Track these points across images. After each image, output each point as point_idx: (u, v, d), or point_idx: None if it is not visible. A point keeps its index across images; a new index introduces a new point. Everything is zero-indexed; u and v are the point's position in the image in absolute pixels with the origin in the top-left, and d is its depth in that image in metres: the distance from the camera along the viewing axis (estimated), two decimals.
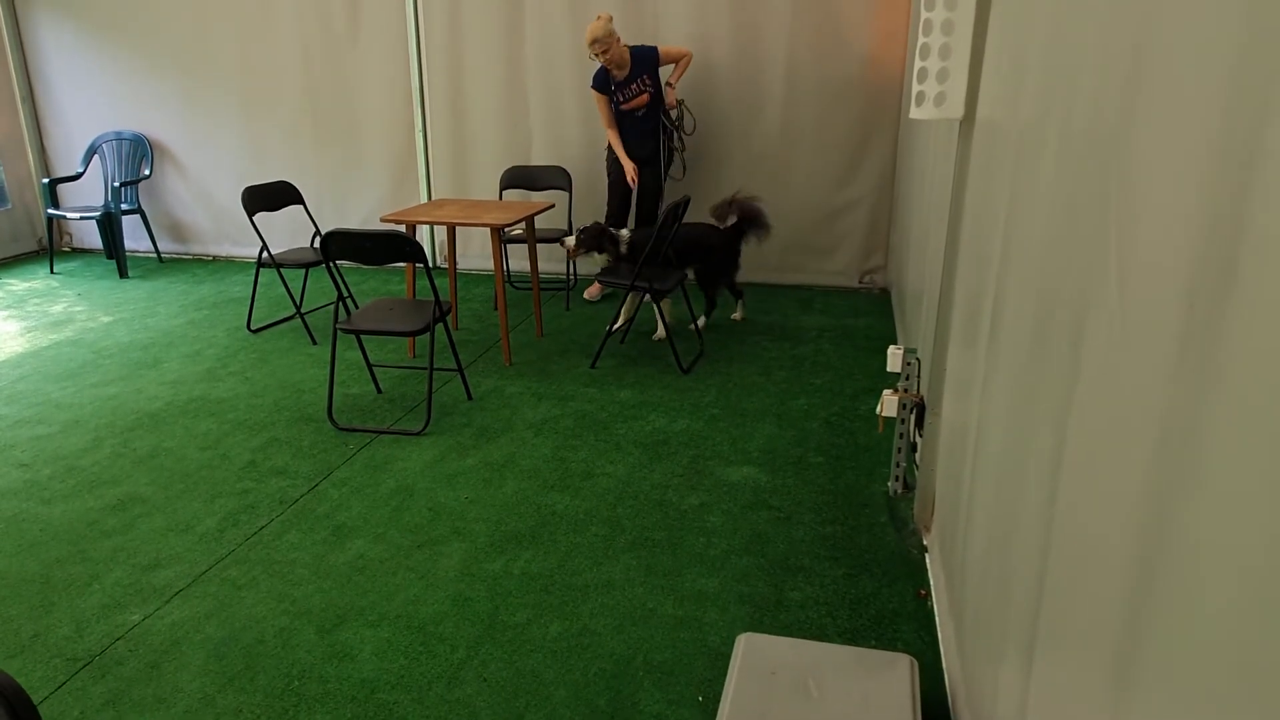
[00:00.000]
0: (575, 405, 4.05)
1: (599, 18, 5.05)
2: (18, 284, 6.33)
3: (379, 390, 4.26)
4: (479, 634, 2.47)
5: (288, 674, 2.33)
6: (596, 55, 5.09)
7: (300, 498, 3.25)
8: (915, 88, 2.39)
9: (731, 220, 4.94)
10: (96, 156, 6.89)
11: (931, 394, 2.79)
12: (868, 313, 5.47)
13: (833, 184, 5.78)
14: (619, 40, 5.12)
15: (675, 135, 5.52)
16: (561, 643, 2.43)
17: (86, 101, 6.91)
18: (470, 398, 4.14)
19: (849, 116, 5.63)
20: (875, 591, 2.64)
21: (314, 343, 4.97)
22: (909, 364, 3.01)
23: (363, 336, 4.20)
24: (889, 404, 3.03)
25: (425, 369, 4.26)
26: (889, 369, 3.08)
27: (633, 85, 5.29)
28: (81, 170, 6.87)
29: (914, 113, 2.41)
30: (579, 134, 6.01)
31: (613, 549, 2.89)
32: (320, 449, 3.64)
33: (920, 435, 2.95)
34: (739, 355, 4.71)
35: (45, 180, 6.80)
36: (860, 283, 5.96)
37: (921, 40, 2.33)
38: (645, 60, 5.27)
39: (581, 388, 4.26)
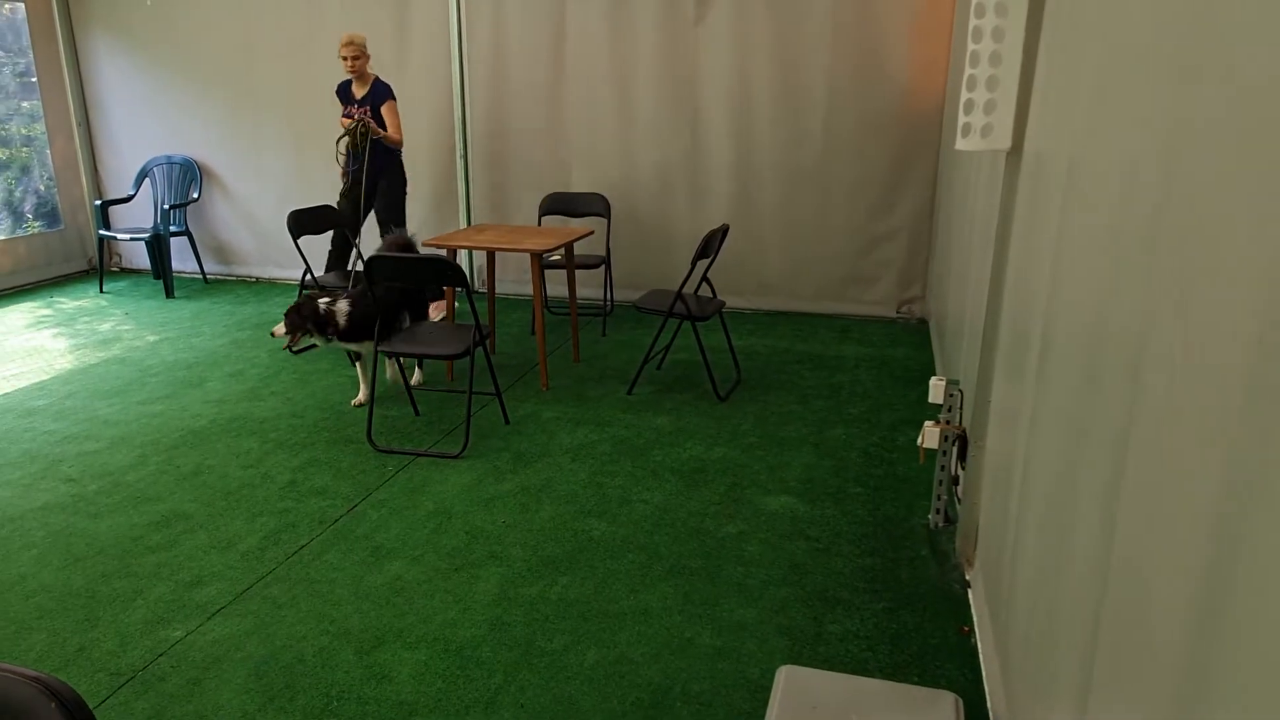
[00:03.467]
0: (612, 431, 4.06)
1: (359, 33, 5.45)
2: (68, 302, 6.49)
3: (417, 413, 4.29)
4: (516, 659, 2.47)
5: (327, 694, 2.34)
6: (344, 58, 5.39)
7: (340, 518, 3.28)
8: (961, 119, 2.39)
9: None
10: (147, 180, 7.07)
11: (975, 426, 2.76)
12: (905, 343, 5.44)
13: (871, 214, 5.77)
14: (369, 60, 5.51)
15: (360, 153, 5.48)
16: (598, 670, 2.42)
17: (139, 126, 7.11)
18: (508, 422, 4.16)
19: (888, 146, 5.63)
20: (917, 626, 2.60)
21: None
22: (951, 395, 2.98)
23: (402, 359, 4.25)
24: (930, 435, 3.00)
25: (464, 392, 4.29)
26: (930, 400, 3.05)
27: (359, 109, 5.51)
28: (133, 193, 7.06)
29: (960, 144, 2.41)
30: (618, 161, 6.07)
31: (650, 576, 2.88)
32: (359, 470, 3.68)
33: (962, 468, 2.92)
34: (776, 384, 4.69)
35: (98, 202, 6.99)
36: (898, 313, 5.93)
37: (968, 72, 2.33)
38: (376, 94, 5.52)
39: (618, 414, 4.27)
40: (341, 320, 4.11)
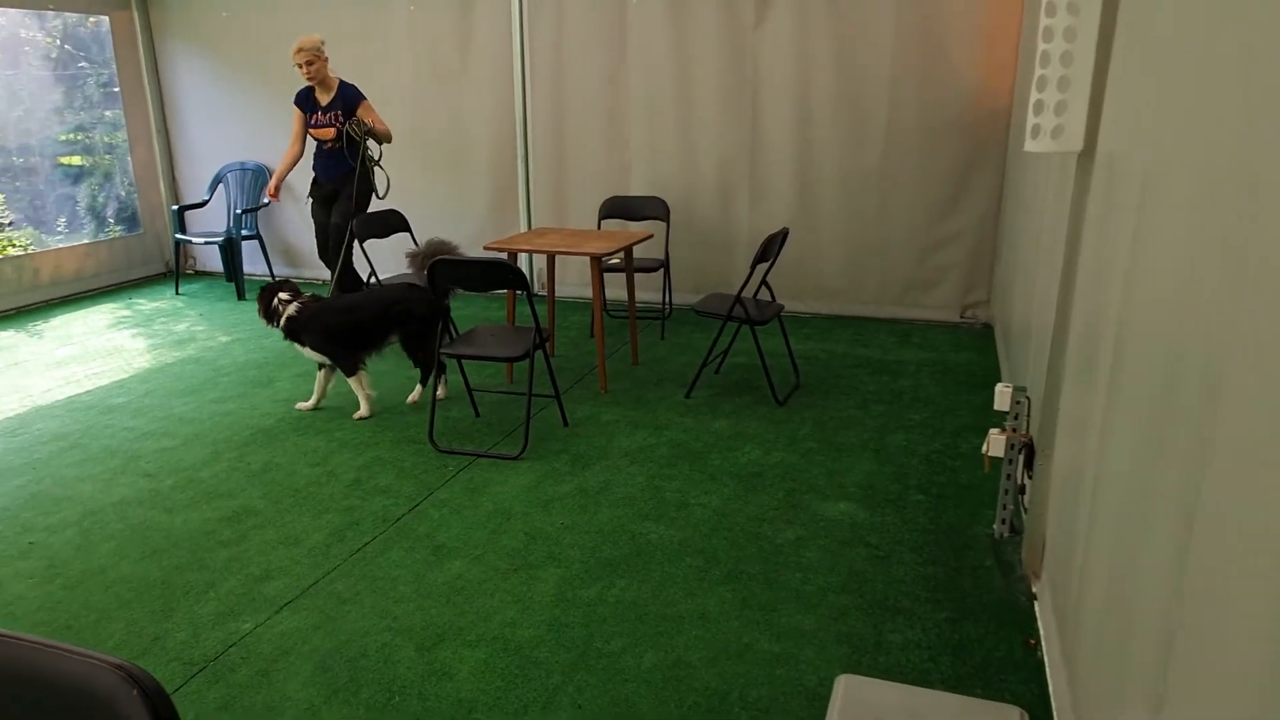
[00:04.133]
0: (670, 434, 4.06)
1: (314, 36, 5.23)
2: (146, 304, 6.74)
3: (478, 414, 4.35)
4: (574, 660, 2.48)
5: (389, 689, 2.38)
6: (299, 64, 5.20)
7: (402, 516, 3.34)
8: (1030, 120, 2.34)
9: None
10: (221, 185, 7.30)
11: (1043, 434, 2.69)
12: (969, 348, 5.33)
13: (935, 216, 5.68)
14: (327, 61, 5.27)
15: (357, 159, 5.34)
16: (656, 674, 2.42)
17: (214, 134, 7.34)
18: (566, 424, 4.19)
19: (953, 147, 5.53)
20: (980, 638, 2.55)
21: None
22: (1018, 403, 2.91)
23: (464, 361, 4.31)
24: (996, 443, 2.94)
25: (523, 394, 4.34)
26: (996, 407, 2.99)
27: (327, 114, 5.33)
28: (207, 198, 7.29)
29: (1029, 145, 2.35)
30: (677, 165, 6.08)
31: (707, 580, 2.87)
32: (421, 469, 3.74)
33: (1029, 477, 2.85)
34: (835, 389, 4.64)
35: (174, 207, 7.24)
36: (962, 317, 5.82)
37: (1038, 72, 2.28)
38: (346, 97, 5.32)
39: (676, 417, 4.27)
40: (281, 320, 4.28)
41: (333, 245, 5.46)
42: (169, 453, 3.96)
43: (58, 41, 7.10)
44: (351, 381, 4.35)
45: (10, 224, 6.81)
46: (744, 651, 2.51)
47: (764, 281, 4.54)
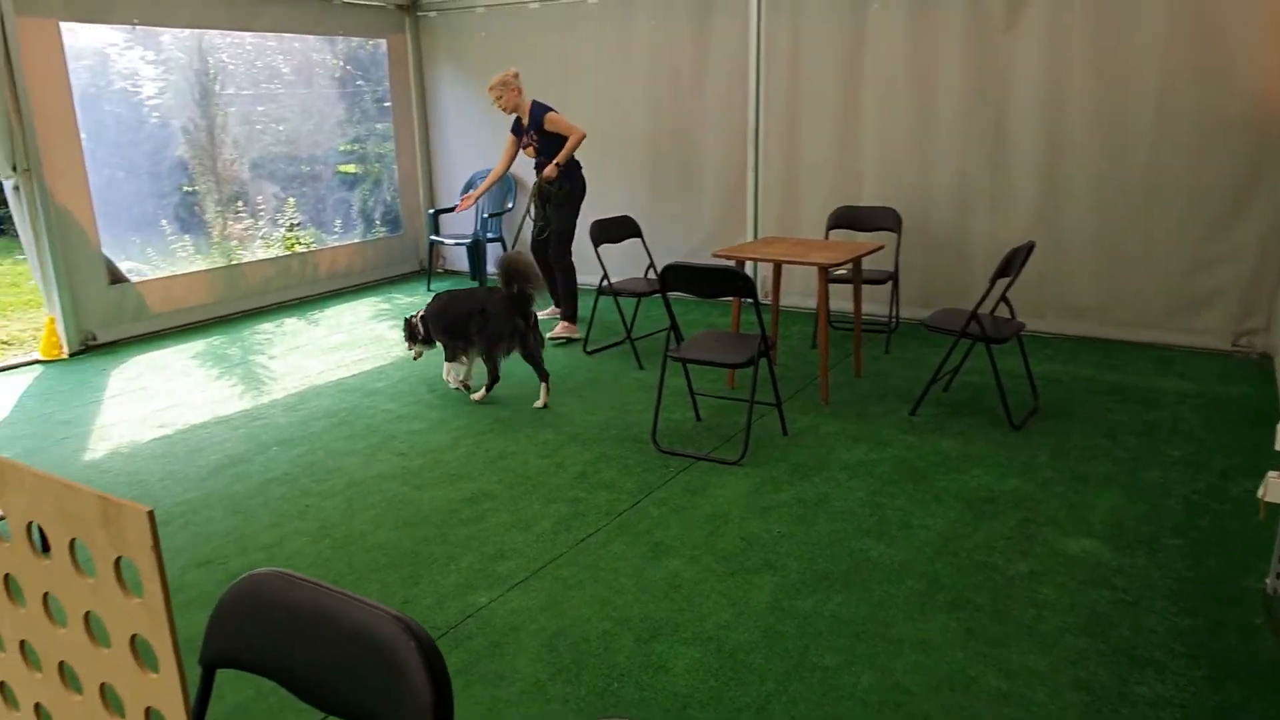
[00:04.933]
0: (893, 451, 3.94)
1: (502, 73, 5.70)
2: (403, 299, 7.41)
3: (699, 418, 4.43)
4: (788, 670, 2.48)
5: (608, 675, 2.49)
6: (493, 100, 5.76)
7: (624, 511, 3.47)
8: None
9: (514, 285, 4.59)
10: (470, 191, 7.89)
11: None
12: (1242, 380, 4.77)
13: (1207, 231, 5.14)
14: (518, 92, 5.74)
15: (539, 204, 5.93)
16: (873, 695, 2.37)
17: (467, 144, 7.96)
18: (786, 433, 4.18)
19: (1233, 155, 4.98)
20: (1244, 702, 2.28)
21: (640, 367, 5.29)
22: None
23: (689, 365, 4.40)
24: (1275, 488, 2.61)
25: (745, 401, 4.37)
26: (1277, 448, 2.66)
27: (527, 135, 5.85)
28: (459, 202, 7.91)
29: None
30: (913, 173, 5.89)
31: (929, 606, 2.76)
32: (643, 468, 3.86)
33: None
34: (1078, 415, 4.31)
35: (430, 211, 7.92)
36: (1234, 345, 5.21)
37: None
38: (535, 117, 5.76)
39: (900, 434, 4.14)
40: (419, 327, 4.88)
41: (552, 249, 5.96)
42: (418, 435, 4.34)
43: (340, 63, 7.97)
44: (454, 365, 4.86)
45: (299, 224, 7.74)
46: (968, 684, 2.39)
47: (1003, 297, 4.30)
